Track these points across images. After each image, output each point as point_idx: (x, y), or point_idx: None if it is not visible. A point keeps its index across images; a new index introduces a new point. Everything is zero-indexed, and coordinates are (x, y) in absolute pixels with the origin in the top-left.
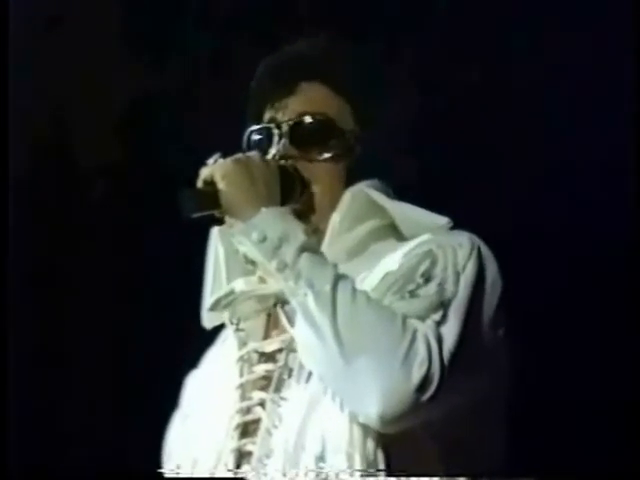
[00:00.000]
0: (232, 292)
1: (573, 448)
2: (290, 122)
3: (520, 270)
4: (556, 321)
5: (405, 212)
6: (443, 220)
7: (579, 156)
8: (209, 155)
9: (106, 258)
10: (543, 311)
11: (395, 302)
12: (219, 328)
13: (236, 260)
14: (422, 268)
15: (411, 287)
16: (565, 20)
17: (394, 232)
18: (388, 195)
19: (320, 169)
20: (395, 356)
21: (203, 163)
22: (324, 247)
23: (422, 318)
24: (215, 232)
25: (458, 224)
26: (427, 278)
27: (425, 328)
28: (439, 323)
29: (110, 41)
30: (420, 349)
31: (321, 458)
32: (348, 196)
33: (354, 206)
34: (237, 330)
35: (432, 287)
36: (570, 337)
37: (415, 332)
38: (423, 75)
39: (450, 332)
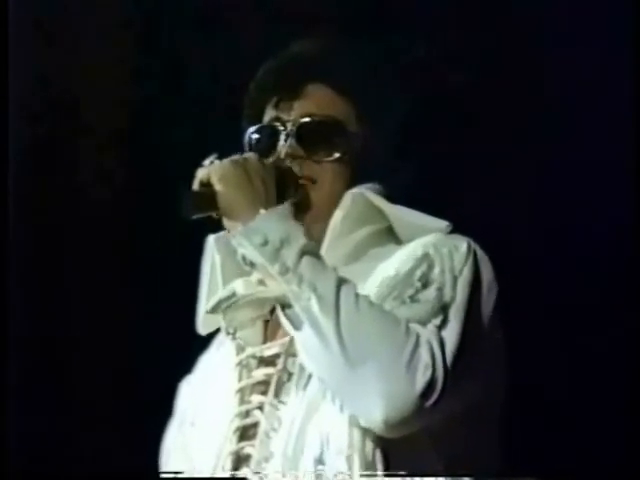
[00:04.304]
0: (234, 294)
1: (573, 448)
2: (297, 122)
3: (518, 272)
4: (556, 321)
5: (404, 216)
6: (443, 224)
7: (578, 158)
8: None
9: (102, 262)
10: (542, 311)
11: (396, 307)
12: (213, 333)
13: (232, 267)
14: (419, 272)
15: (410, 292)
16: (565, 19)
17: (392, 237)
18: (388, 199)
19: (324, 170)
20: (399, 361)
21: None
22: (323, 251)
23: (423, 323)
24: (211, 240)
25: (455, 227)
26: (425, 282)
27: (427, 333)
28: (440, 327)
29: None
30: (423, 354)
31: (320, 461)
32: (348, 198)
33: (354, 209)
34: (234, 339)
35: (431, 292)
36: (570, 337)
37: (418, 337)
38: (420, 76)
39: (451, 336)
